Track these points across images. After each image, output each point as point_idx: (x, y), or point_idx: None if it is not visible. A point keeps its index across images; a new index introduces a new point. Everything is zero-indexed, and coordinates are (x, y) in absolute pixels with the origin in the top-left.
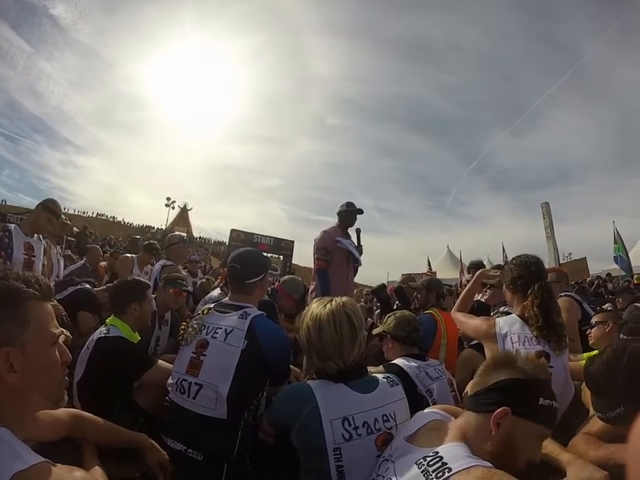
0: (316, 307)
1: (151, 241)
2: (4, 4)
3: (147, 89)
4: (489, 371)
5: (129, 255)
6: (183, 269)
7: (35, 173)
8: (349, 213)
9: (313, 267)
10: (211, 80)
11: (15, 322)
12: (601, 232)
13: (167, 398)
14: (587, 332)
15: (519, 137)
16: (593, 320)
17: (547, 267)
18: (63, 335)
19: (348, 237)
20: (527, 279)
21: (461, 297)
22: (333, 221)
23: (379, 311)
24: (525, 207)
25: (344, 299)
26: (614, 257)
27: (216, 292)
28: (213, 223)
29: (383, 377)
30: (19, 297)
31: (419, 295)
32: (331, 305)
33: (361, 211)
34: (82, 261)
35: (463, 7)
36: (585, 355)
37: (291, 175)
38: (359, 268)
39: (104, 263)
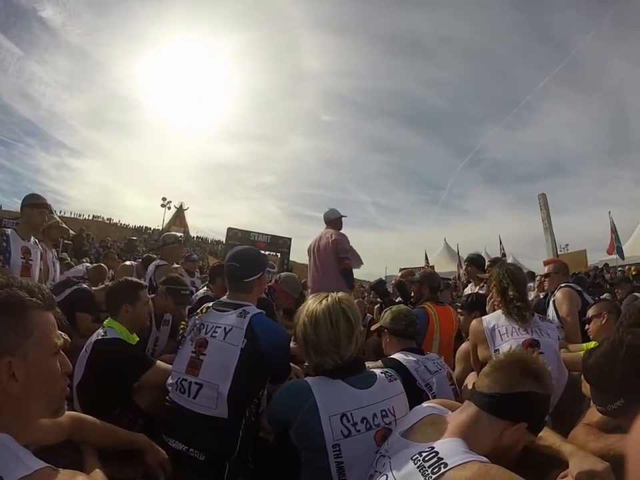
0: (312, 303)
1: (150, 254)
2: None
3: (139, 88)
4: (512, 374)
5: (128, 262)
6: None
7: (28, 176)
8: (341, 220)
9: (309, 262)
10: (203, 78)
11: (18, 331)
12: (597, 223)
13: (167, 398)
14: (585, 327)
15: (512, 130)
16: (589, 314)
17: (545, 258)
18: (62, 339)
19: None
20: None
21: None
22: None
23: (378, 305)
24: (521, 199)
25: (340, 294)
26: (616, 246)
27: (201, 290)
28: (209, 221)
29: (381, 372)
30: (23, 306)
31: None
32: (327, 300)
33: (344, 216)
34: (81, 268)
35: (452, 0)
36: (584, 345)
37: (286, 172)
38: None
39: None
